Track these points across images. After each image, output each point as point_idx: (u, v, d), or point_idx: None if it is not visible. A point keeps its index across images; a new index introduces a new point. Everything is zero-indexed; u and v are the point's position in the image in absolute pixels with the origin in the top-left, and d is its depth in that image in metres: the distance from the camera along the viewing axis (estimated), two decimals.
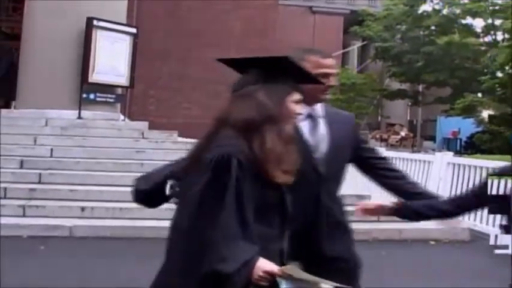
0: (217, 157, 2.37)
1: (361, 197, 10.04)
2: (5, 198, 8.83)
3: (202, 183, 2.38)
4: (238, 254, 2.30)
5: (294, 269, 2.34)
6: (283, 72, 2.54)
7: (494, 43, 27.48)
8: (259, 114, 2.45)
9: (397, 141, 33.40)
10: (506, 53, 20.37)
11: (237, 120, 2.45)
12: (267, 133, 2.43)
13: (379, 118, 39.87)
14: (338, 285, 2.39)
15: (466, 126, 28.38)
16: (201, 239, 2.34)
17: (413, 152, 25.61)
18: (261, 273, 2.30)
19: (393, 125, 36.78)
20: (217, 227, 2.31)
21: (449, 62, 28.92)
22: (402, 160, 12.58)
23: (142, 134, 12.38)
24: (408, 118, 41.82)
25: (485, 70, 23.35)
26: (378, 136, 34.01)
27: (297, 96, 2.54)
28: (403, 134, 35.12)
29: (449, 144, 31.05)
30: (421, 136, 36.74)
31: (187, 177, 2.53)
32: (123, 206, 8.76)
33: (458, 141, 31.24)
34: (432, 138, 35.21)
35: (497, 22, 27.38)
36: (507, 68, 22.81)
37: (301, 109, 2.60)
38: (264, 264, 2.32)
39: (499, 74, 20.19)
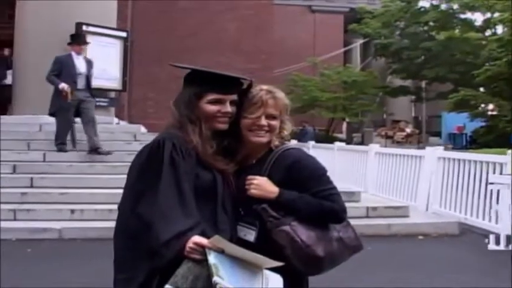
0: (153, 142, 2.54)
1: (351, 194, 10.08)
2: None
3: (138, 166, 2.52)
4: (172, 227, 2.30)
5: (224, 242, 2.25)
6: (195, 78, 2.63)
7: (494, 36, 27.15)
8: (172, 118, 2.62)
9: (402, 138, 33.16)
10: (495, 46, 20.16)
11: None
12: (190, 132, 2.55)
13: (384, 115, 39.75)
14: (274, 263, 2.29)
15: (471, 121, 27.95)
16: (141, 220, 2.38)
17: (419, 148, 25.46)
18: (191, 245, 2.25)
19: (398, 121, 36.50)
20: (155, 205, 2.36)
21: (449, 57, 28.74)
22: (394, 156, 12.59)
23: (135, 136, 12.47)
24: (413, 114, 41.51)
25: (485, 64, 23.21)
26: (383, 133, 33.83)
27: (210, 96, 2.58)
28: (408, 130, 34.89)
29: (455, 139, 30.62)
30: (426, 132, 36.45)
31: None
32: (113, 208, 8.81)
33: (464, 136, 30.88)
34: (438, 134, 34.86)
35: (496, 15, 27.00)
36: (498, 62, 22.44)
37: (223, 108, 2.59)
38: (196, 237, 2.28)
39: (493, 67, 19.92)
